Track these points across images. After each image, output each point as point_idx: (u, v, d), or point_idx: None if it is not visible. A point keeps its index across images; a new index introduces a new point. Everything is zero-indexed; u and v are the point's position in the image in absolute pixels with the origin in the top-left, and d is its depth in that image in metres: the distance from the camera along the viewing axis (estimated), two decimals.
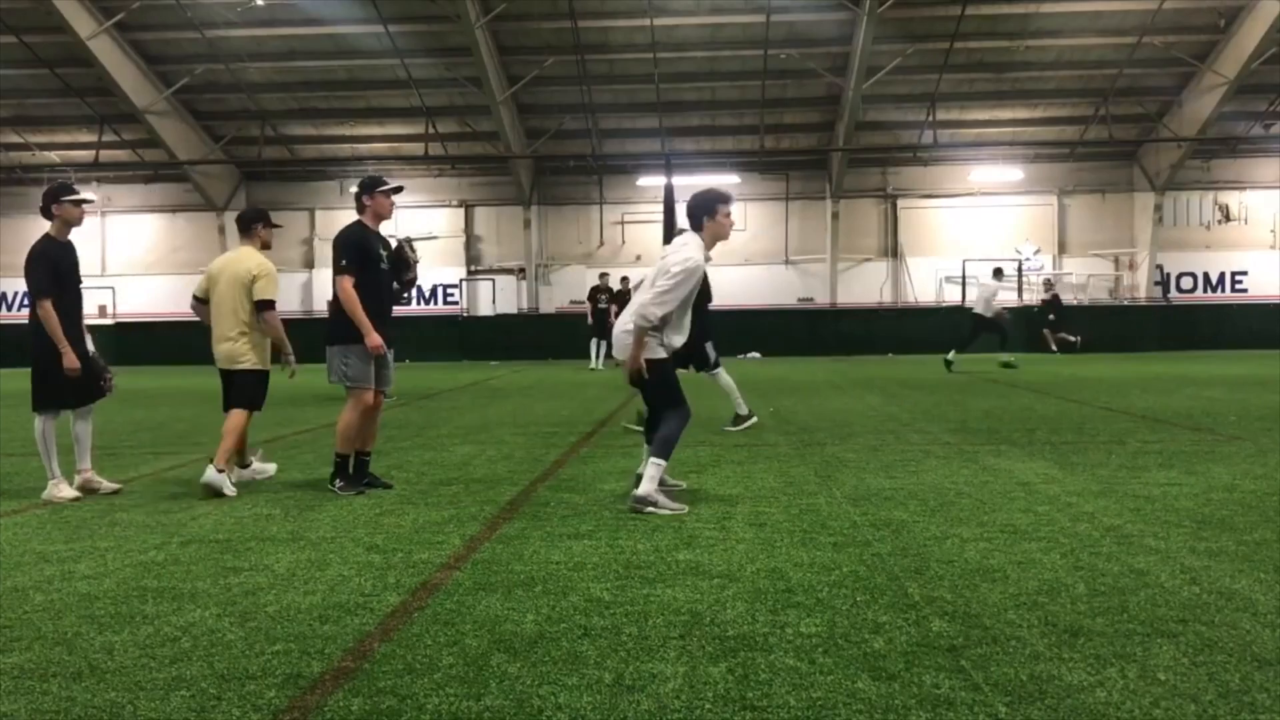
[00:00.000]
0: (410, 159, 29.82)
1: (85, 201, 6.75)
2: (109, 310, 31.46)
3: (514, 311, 30.55)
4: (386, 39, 24.40)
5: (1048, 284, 27.04)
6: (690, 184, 29.06)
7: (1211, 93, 26.12)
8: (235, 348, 6.98)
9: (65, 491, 6.64)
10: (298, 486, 7.04)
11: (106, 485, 6.94)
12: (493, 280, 31.31)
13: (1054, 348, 25.27)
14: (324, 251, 31.36)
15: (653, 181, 29.21)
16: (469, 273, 31.43)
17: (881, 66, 25.19)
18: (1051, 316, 25.63)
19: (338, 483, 6.70)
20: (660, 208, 27.64)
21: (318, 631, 3.73)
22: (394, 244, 7.07)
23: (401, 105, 28.06)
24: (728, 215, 5.97)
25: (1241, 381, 15.15)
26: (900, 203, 30.58)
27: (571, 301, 29.60)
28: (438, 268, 31.41)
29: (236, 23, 24.82)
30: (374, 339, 6.58)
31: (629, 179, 30.35)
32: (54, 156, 30.45)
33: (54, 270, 6.54)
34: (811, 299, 30.12)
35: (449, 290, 31.45)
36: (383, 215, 6.87)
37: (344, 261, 6.65)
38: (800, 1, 23.96)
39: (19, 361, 29.03)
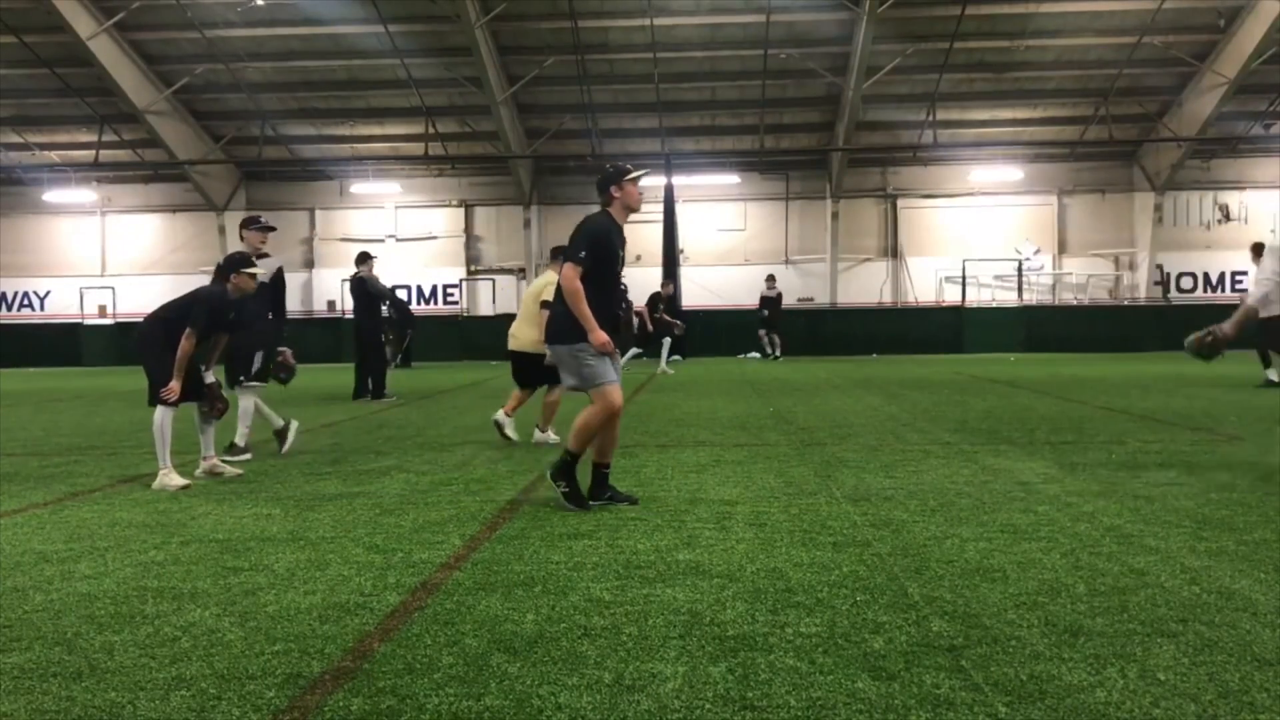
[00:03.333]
0: (410, 159, 29.82)
1: (257, 273, 7.65)
2: (109, 310, 31.45)
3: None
4: (386, 39, 24.41)
5: (771, 280, 26.53)
6: (690, 184, 29.32)
7: (1211, 93, 26.13)
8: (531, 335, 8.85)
9: (175, 480, 7.00)
10: (298, 486, 7.04)
11: (230, 470, 7.55)
12: (493, 280, 31.33)
13: (775, 352, 25.23)
14: (324, 251, 31.37)
15: (653, 181, 29.20)
16: (469, 273, 31.43)
17: (881, 66, 25.19)
18: (765, 313, 25.73)
19: (561, 485, 6.03)
20: (660, 208, 27.63)
21: (318, 631, 3.73)
22: None
23: (401, 105, 28.06)
24: None
25: (1241, 381, 15.17)
26: (900, 203, 30.59)
27: None
28: (437, 268, 31.39)
29: (236, 23, 24.82)
30: (599, 335, 5.91)
31: None
32: (54, 156, 30.46)
33: (213, 318, 7.30)
34: (811, 299, 30.12)
35: (449, 290, 31.44)
36: (632, 207, 6.23)
37: (581, 253, 5.96)
38: (800, 1, 23.96)
39: (17, 361, 28.80)
